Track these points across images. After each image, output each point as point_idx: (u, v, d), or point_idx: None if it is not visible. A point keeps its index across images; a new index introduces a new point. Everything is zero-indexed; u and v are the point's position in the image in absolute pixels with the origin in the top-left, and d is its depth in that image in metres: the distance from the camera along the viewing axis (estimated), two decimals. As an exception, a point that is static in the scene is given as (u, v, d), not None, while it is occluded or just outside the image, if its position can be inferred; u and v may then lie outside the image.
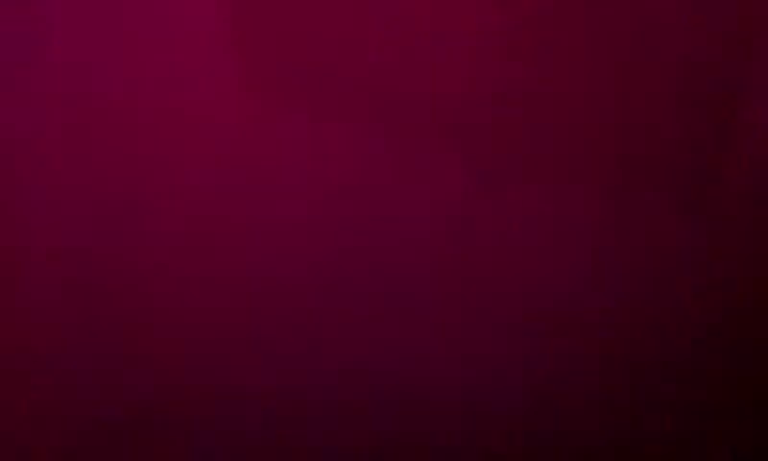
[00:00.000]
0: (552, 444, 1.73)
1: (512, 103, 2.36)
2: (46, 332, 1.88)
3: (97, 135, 2.29)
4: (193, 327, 1.90)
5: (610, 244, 2.06)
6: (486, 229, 2.09)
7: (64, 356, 1.84)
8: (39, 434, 1.73)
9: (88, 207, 2.13)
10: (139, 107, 2.37)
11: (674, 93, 2.38)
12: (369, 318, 1.92)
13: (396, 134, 2.30)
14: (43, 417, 1.75)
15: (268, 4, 2.65)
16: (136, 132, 2.31)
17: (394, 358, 1.85)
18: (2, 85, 2.43)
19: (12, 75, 2.45)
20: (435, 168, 2.22)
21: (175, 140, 2.29)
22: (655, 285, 1.98)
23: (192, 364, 1.83)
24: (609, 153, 2.24)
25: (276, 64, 2.48)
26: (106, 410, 1.76)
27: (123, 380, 1.80)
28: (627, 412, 1.78)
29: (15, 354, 1.84)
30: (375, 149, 2.26)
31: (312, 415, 1.77)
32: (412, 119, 2.33)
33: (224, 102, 2.38)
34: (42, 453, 1.70)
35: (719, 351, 1.87)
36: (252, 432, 1.74)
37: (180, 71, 2.46)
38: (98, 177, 2.19)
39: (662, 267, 2.01)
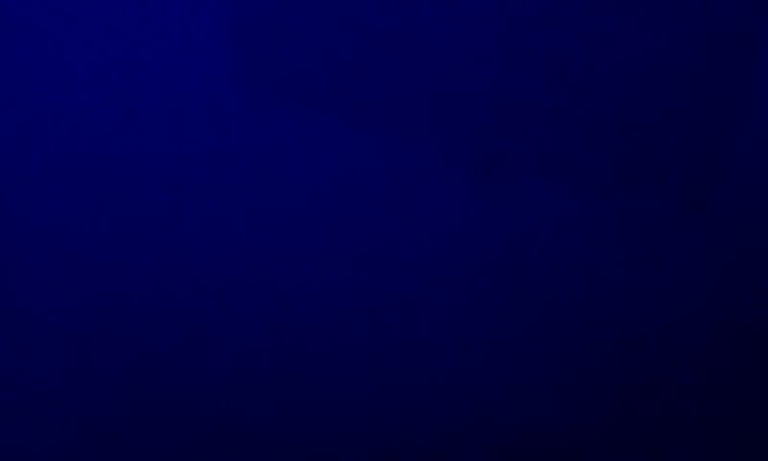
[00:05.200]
0: (550, 443, 1.73)
1: (512, 103, 2.36)
2: (51, 329, 1.88)
3: (97, 134, 2.30)
4: (193, 326, 1.90)
5: (610, 243, 2.05)
6: (486, 228, 2.09)
7: (71, 353, 1.84)
8: (42, 432, 1.72)
9: (90, 207, 2.13)
10: (138, 105, 2.37)
11: (674, 93, 2.38)
12: (366, 316, 1.92)
13: (395, 134, 2.30)
14: (47, 415, 1.75)
15: (267, 5, 2.65)
16: (136, 130, 2.31)
17: (391, 356, 1.85)
18: (5, 85, 2.43)
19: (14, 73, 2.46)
20: (434, 168, 2.22)
21: (174, 139, 2.29)
22: (655, 284, 1.98)
23: (190, 361, 1.83)
24: (609, 153, 2.24)
25: (274, 65, 2.48)
26: (111, 410, 1.76)
27: (129, 381, 1.81)
28: (625, 412, 1.77)
29: (20, 353, 1.84)
30: (374, 149, 2.26)
31: (315, 413, 1.77)
32: (411, 119, 2.33)
33: (222, 102, 2.38)
34: (44, 451, 1.70)
35: (720, 351, 1.86)
36: (258, 432, 1.74)
37: (179, 71, 2.46)
38: (97, 175, 2.20)
39: (663, 266, 2.01)
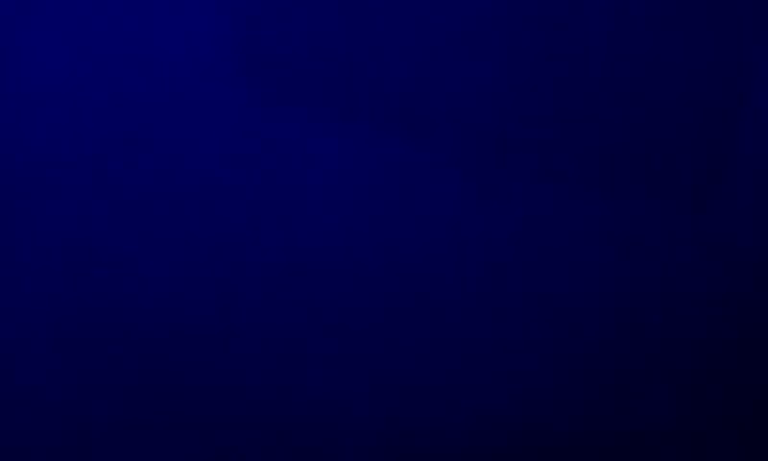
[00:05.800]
0: (549, 445, 1.73)
1: (512, 104, 2.36)
2: (44, 321, 1.88)
3: (97, 133, 2.30)
4: (192, 326, 1.90)
5: (610, 244, 2.05)
6: (485, 230, 2.09)
7: (61, 345, 1.84)
8: (38, 426, 1.72)
9: (89, 204, 2.13)
10: (139, 104, 2.37)
11: (675, 93, 2.38)
12: (366, 320, 1.92)
13: (395, 135, 2.30)
14: (40, 409, 1.75)
15: (268, 5, 2.65)
16: (137, 130, 2.31)
17: (391, 359, 1.85)
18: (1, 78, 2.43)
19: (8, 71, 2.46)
20: (434, 170, 2.21)
21: (175, 139, 2.29)
22: (655, 285, 1.98)
23: (192, 360, 1.83)
24: (609, 153, 2.24)
25: (275, 65, 2.48)
26: (105, 402, 1.76)
27: (121, 377, 1.80)
28: (626, 413, 1.77)
29: (14, 347, 1.84)
30: (375, 150, 2.26)
31: (310, 408, 1.77)
32: (412, 120, 2.33)
33: (223, 101, 2.38)
34: (41, 448, 1.69)
35: (721, 352, 1.86)
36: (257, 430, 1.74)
37: (181, 71, 2.46)
38: (97, 175, 2.19)
39: (662, 266, 2.01)
